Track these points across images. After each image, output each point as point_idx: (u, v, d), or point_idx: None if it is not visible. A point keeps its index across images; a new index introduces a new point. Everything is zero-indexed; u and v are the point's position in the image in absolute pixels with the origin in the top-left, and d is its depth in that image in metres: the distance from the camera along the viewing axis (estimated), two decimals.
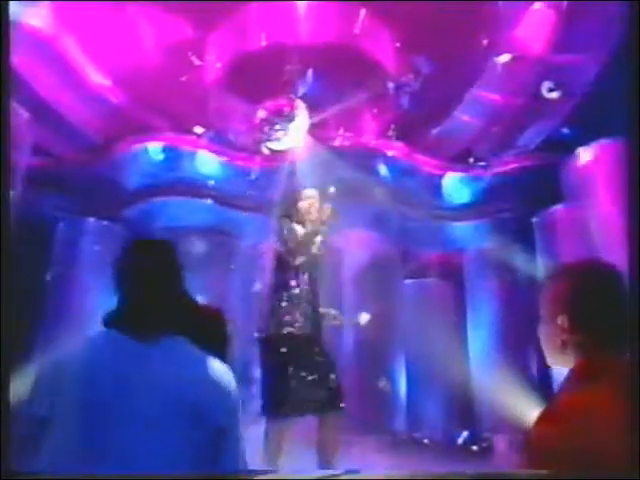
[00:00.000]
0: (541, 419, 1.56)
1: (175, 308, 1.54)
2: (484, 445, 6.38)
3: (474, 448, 6.47)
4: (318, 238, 3.68)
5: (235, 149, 6.81)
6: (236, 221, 6.93)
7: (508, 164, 6.89)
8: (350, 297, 7.18)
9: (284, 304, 3.58)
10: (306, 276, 3.64)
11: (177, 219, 6.83)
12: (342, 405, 3.57)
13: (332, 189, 3.83)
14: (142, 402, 1.38)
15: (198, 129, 7.00)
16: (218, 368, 1.53)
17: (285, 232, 3.67)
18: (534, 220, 6.55)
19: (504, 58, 7.24)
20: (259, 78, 5.85)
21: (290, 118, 5.61)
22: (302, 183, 4.32)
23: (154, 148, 6.69)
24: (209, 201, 6.84)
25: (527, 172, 6.69)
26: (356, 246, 7.17)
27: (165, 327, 1.49)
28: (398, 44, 7.30)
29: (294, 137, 5.72)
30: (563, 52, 6.28)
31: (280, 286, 3.65)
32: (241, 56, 6.14)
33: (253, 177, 6.80)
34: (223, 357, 1.89)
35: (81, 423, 1.35)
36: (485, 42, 6.99)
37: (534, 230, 6.56)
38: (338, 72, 6.33)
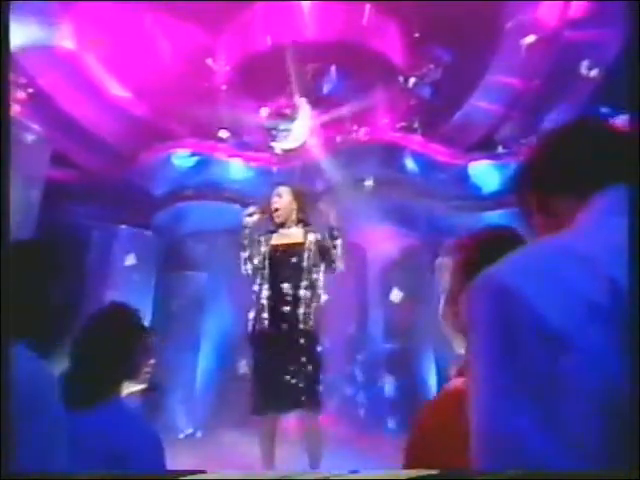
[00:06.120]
0: (427, 411, 1.48)
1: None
2: None
3: None
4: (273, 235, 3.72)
5: (256, 151, 6.91)
6: None
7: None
8: (378, 295, 7.12)
9: (264, 302, 3.62)
10: (266, 272, 3.67)
11: (205, 222, 7.00)
12: (319, 402, 3.56)
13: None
14: None
15: (223, 133, 7.15)
16: (31, 365, 1.45)
17: (247, 230, 3.74)
18: None
19: (529, 39, 6.98)
20: (267, 79, 5.91)
21: (292, 117, 5.64)
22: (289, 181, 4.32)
23: (178, 155, 6.88)
24: (234, 203, 6.95)
25: None
26: (383, 242, 7.08)
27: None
28: (417, 34, 7.18)
29: (299, 136, 5.74)
30: (585, 29, 5.98)
31: (259, 284, 3.69)
32: (248, 57, 6.22)
33: (275, 178, 6.87)
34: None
35: None
36: (506, 25, 6.77)
37: None
38: (352, 69, 6.30)
